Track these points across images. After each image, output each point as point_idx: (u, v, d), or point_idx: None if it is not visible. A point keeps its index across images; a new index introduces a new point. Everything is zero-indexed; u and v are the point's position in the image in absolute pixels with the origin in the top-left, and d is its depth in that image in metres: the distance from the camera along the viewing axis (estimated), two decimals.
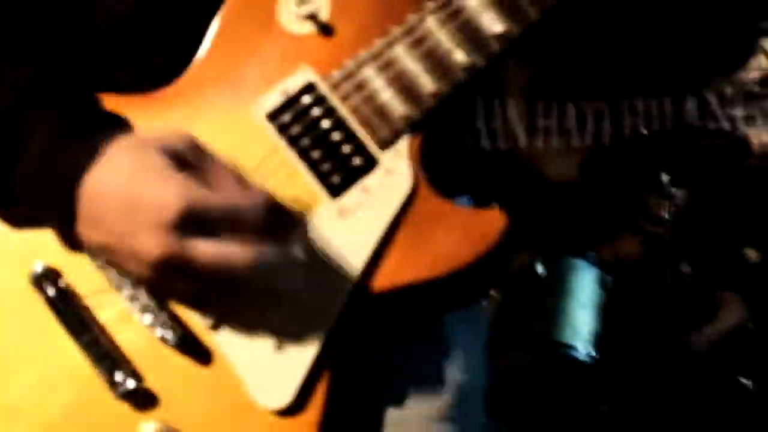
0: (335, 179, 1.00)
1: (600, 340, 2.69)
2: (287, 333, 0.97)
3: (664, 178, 2.90)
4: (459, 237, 1.01)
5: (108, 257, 0.95)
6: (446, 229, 1.01)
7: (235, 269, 0.91)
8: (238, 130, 1.01)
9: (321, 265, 0.98)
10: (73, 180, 0.93)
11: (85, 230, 0.94)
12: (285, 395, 0.97)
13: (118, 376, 0.97)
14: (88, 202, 0.93)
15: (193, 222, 0.90)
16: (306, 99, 1.02)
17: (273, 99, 1.01)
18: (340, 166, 1.01)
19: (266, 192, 0.96)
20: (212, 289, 0.93)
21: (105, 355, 0.97)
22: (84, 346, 0.98)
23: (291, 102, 1.02)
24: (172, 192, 0.91)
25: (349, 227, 0.99)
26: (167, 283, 0.92)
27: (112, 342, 0.98)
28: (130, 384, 0.97)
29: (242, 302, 0.96)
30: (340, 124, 1.01)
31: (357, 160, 1.01)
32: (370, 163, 1.01)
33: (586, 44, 3.96)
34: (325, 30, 1.03)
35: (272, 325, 0.97)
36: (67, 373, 0.98)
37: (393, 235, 1.00)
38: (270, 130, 1.01)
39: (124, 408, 0.97)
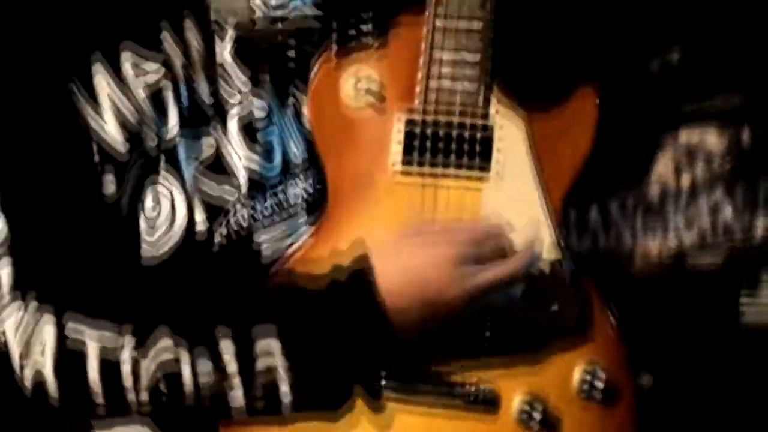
0: (477, 162, 1.29)
1: None
2: None
3: None
4: (576, 127, 1.32)
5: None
6: (564, 129, 1.31)
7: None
8: (404, 199, 1.30)
9: None
10: None
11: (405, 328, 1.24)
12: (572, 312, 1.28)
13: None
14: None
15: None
16: (416, 129, 1.30)
17: (396, 151, 1.30)
18: (475, 152, 1.30)
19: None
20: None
21: None
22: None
23: (410, 139, 1.31)
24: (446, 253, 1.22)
25: (511, 187, 1.30)
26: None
27: None
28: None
29: None
30: (450, 128, 1.30)
31: (480, 137, 1.30)
32: (489, 131, 1.30)
33: None
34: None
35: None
36: None
37: (539, 162, 1.31)
38: (408, 177, 1.30)
39: None
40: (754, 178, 4.05)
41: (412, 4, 1.34)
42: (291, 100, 1.42)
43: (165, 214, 1.34)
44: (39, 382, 1.26)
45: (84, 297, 1.27)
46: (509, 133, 1.30)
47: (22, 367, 1.27)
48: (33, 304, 1.26)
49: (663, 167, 3.90)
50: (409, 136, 1.30)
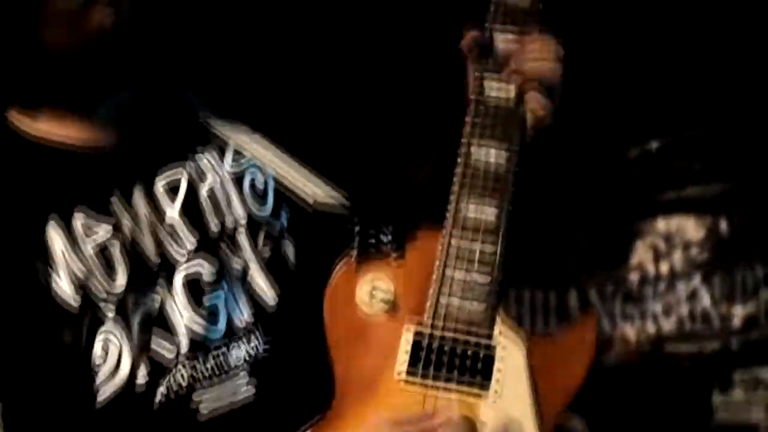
0: (478, 379, 1.37)
1: None
2: None
3: None
4: (573, 356, 1.39)
5: None
6: (562, 356, 1.39)
7: None
8: (399, 402, 1.37)
9: None
10: None
11: None
12: None
13: None
14: None
15: None
16: (424, 342, 1.38)
17: (403, 360, 1.38)
18: (476, 370, 1.37)
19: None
20: None
21: None
22: None
23: (416, 350, 1.38)
24: None
25: (506, 407, 1.37)
26: None
27: None
28: None
29: None
30: (455, 344, 1.38)
31: (483, 356, 1.38)
32: (492, 351, 1.38)
33: None
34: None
35: None
36: None
37: (535, 386, 1.38)
38: (411, 387, 1.38)
39: None
40: (732, 267, 4.08)
41: (432, 221, 1.43)
42: (238, 262, 1.51)
43: (110, 364, 1.44)
44: None
45: None
46: (510, 354, 1.38)
47: None
48: None
49: (641, 254, 3.79)
50: (415, 347, 1.39)
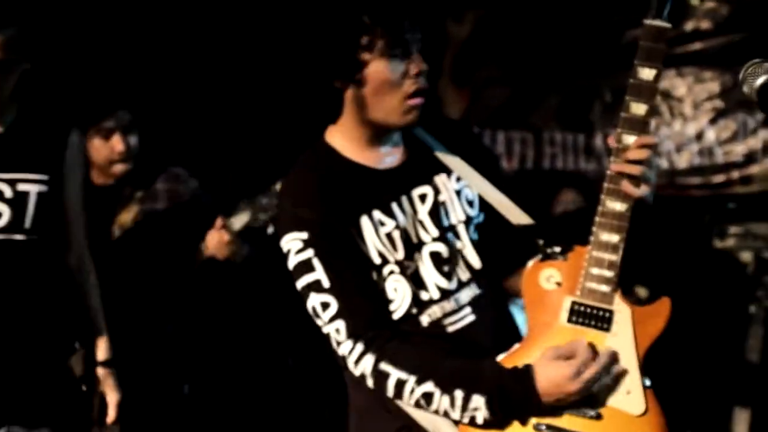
0: (605, 326, 2.56)
1: None
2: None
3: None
4: (656, 319, 2.57)
5: (561, 405, 2.52)
6: (650, 321, 2.57)
7: (594, 379, 2.49)
8: (566, 337, 2.57)
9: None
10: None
11: (548, 401, 2.51)
12: (640, 406, 2.55)
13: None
14: (543, 389, 2.49)
15: (578, 373, 2.48)
16: (576, 306, 2.58)
17: (564, 314, 2.58)
18: (604, 320, 2.57)
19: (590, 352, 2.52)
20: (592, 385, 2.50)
21: None
22: None
23: (572, 310, 2.58)
24: (569, 368, 2.48)
25: (620, 340, 2.56)
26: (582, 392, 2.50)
27: None
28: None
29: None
30: (593, 308, 2.57)
31: (608, 315, 2.57)
32: (612, 312, 2.57)
33: (517, 79, 4.86)
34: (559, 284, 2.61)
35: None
36: None
37: (635, 332, 2.57)
38: (574, 327, 2.57)
39: None
40: (735, 112, 4.67)
41: (583, 242, 2.61)
42: (460, 244, 2.67)
43: (398, 300, 2.59)
44: None
45: None
46: (623, 314, 2.56)
47: None
48: None
49: (656, 102, 4.43)
50: (571, 309, 2.58)
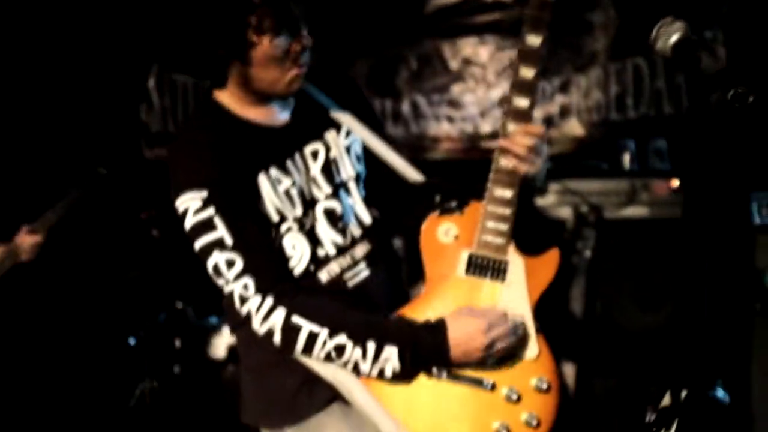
0: (500, 277, 2.70)
1: None
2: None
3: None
4: (547, 268, 2.73)
5: (467, 359, 2.63)
6: (541, 268, 2.72)
7: (504, 337, 2.62)
8: (464, 289, 2.68)
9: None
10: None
11: (457, 354, 2.61)
12: (534, 352, 2.70)
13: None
14: (455, 343, 2.60)
15: (489, 329, 2.61)
16: (472, 259, 2.69)
17: (461, 268, 2.69)
18: (499, 271, 2.70)
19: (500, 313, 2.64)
20: (500, 347, 2.63)
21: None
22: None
23: (469, 262, 2.70)
24: (481, 323, 2.60)
25: (514, 290, 2.70)
26: (489, 353, 2.62)
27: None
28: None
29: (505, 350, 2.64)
30: (488, 260, 2.70)
31: (503, 266, 2.70)
32: (506, 263, 2.70)
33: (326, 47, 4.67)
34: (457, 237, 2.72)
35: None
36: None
37: (527, 281, 2.72)
38: (471, 279, 2.69)
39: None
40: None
41: (478, 197, 2.72)
42: (350, 199, 2.72)
43: (296, 256, 2.66)
44: None
45: None
46: (516, 265, 2.70)
47: None
48: None
49: (460, 68, 4.68)
50: (468, 261, 2.70)
